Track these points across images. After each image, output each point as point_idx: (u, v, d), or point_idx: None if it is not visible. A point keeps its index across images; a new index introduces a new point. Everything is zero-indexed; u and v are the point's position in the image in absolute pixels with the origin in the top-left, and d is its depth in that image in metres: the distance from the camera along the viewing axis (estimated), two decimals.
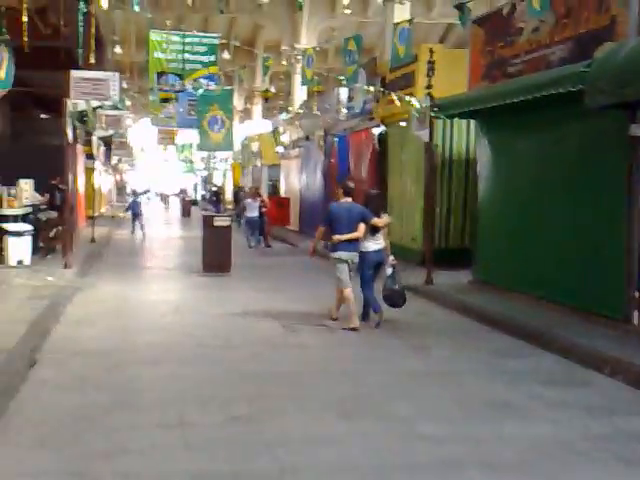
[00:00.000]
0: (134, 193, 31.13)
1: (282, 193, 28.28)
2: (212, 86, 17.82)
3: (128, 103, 29.37)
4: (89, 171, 25.18)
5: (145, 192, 61.07)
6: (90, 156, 23.95)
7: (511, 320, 8.98)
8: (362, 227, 9.00)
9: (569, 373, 6.97)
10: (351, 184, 9.58)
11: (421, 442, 4.98)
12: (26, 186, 14.83)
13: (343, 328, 8.85)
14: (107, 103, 16.64)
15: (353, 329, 8.76)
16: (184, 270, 15.03)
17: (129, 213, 25.56)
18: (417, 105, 12.20)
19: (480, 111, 10.60)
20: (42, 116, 19.43)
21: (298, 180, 24.73)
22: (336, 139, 19.45)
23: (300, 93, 28.77)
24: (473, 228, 12.39)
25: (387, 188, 16.20)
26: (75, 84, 14.24)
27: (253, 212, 20.14)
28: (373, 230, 9.15)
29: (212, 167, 45.42)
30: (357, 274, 9.27)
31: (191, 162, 50.62)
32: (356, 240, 9.02)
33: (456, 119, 13.00)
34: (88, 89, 14.50)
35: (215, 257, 14.08)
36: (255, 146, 30.79)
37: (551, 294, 9.61)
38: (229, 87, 21.16)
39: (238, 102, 39.59)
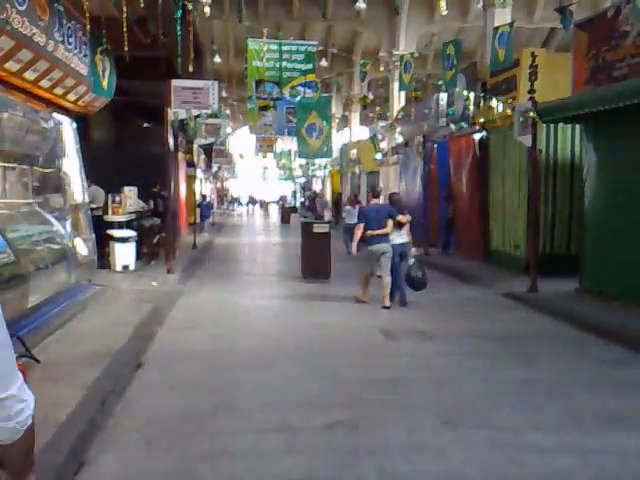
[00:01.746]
0: (203, 197, 31.88)
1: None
2: (310, 94, 17.91)
3: (227, 112, 30.00)
4: (190, 179, 25.76)
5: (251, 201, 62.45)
6: (191, 164, 24.51)
7: (620, 328, 8.62)
8: (390, 223, 10.82)
9: None
10: (378, 188, 12.29)
11: (526, 453, 4.83)
12: (130, 193, 15.24)
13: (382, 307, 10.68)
14: (207, 111, 16.95)
15: (386, 307, 10.71)
16: (283, 276, 15.14)
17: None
18: (520, 110, 11.89)
19: (585, 115, 10.25)
20: (144, 125, 20.01)
21: (397, 186, 24.52)
22: (435, 145, 19.22)
23: (398, 100, 28.56)
24: (580, 235, 11.93)
25: (489, 194, 15.85)
26: (175, 93, 14.55)
27: (352, 219, 20.06)
28: (398, 226, 11.00)
29: (311, 174, 45.79)
30: (389, 262, 10.86)
31: (290, 169, 51.20)
32: (385, 235, 10.79)
33: (560, 124, 12.59)
34: (188, 98, 14.79)
35: (314, 263, 14.10)
36: (353, 153, 30.82)
37: None
38: (327, 94, 21.25)
39: (336, 109, 39.75)
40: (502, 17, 19.42)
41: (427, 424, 5.45)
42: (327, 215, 16.70)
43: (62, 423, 4.98)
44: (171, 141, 14.52)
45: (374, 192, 11.92)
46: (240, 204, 70.44)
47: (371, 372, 7.08)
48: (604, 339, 8.48)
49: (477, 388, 6.48)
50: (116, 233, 13.95)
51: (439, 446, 4.96)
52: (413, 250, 11.42)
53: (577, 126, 12.46)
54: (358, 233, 11.16)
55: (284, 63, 19.15)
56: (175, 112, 15.08)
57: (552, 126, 12.88)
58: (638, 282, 9.78)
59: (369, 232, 10.81)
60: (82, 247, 11.41)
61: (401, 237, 11.12)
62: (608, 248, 10.67)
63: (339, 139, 34.39)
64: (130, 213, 15.02)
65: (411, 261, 11.19)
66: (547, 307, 10.47)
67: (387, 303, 10.79)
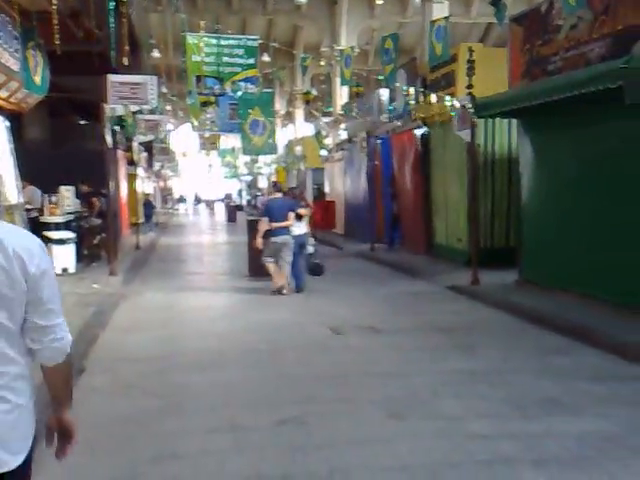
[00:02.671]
0: (146, 197, 31.58)
1: (327, 196, 28.18)
2: (252, 89, 17.77)
3: (168, 108, 29.58)
4: (131, 177, 25.33)
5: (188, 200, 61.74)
6: (132, 162, 24.07)
7: (558, 318, 8.84)
8: (292, 216, 11.82)
9: (617, 369, 6.84)
10: (279, 184, 13.58)
11: (470, 440, 4.92)
12: (67, 193, 14.85)
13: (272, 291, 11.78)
14: (146, 107, 16.64)
15: (282, 294, 11.72)
16: (230, 275, 15.05)
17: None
18: (457, 105, 12.01)
19: (521, 110, 10.40)
20: (81, 122, 19.59)
21: (342, 183, 24.58)
22: (379, 141, 19.29)
23: (341, 95, 28.65)
24: (518, 228, 12.14)
25: (431, 189, 15.99)
26: (112, 88, 14.21)
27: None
28: (298, 218, 11.99)
29: (256, 172, 45.57)
30: (291, 252, 11.88)
31: (235, 167, 50.83)
32: (287, 227, 11.77)
33: (498, 118, 12.77)
34: (126, 93, 14.48)
35: (261, 261, 13.96)
36: (298, 149, 30.77)
37: (597, 292, 9.41)
38: (269, 90, 21.12)
39: (280, 105, 39.64)
40: (440, 12, 19.69)
41: (374, 417, 5.50)
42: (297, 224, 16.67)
43: None
44: (109, 138, 14.17)
45: (276, 187, 13.23)
46: (185, 203, 69.71)
47: (319, 368, 7.09)
48: (543, 328, 8.68)
49: (423, 380, 6.56)
50: (53, 235, 13.48)
51: (386, 438, 5.02)
52: (312, 240, 12.67)
53: (514, 120, 12.63)
54: (263, 226, 11.91)
55: (225, 58, 18.94)
56: (112, 108, 14.73)
57: (490, 121, 13.07)
58: (573, 272, 10.01)
59: (273, 225, 11.70)
60: None
61: (300, 229, 12.16)
62: (544, 240, 10.89)
63: (284, 135, 34.28)
64: (68, 214, 14.65)
65: (310, 249, 12.45)
66: (489, 299, 10.66)
67: (284, 290, 11.80)
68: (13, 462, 2.25)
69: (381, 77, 14.86)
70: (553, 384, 6.29)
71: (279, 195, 12.66)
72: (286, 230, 11.76)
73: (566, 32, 10.31)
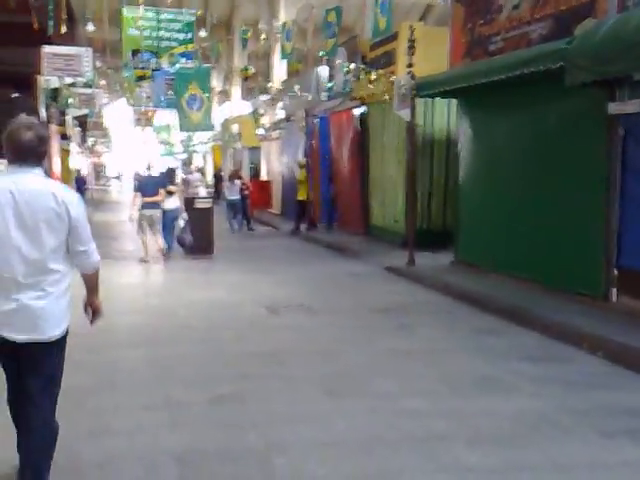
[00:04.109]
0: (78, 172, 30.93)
1: (263, 176, 28.02)
2: (189, 64, 17.49)
3: (103, 82, 28.87)
4: (64, 153, 24.66)
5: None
6: (64, 137, 23.42)
7: (492, 299, 9.01)
8: (162, 192, 13.17)
9: (549, 349, 7.01)
10: (150, 163, 14.27)
11: (406, 418, 4.99)
12: (1, 166, 14.42)
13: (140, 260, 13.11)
14: (80, 79, 16.25)
15: (145, 261, 13.06)
16: (166, 253, 14.78)
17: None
18: (397, 84, 12.02)
19: (461, 90, 10.47)
20: (14, 95, 18.96)
21: (280, 162, 24.47)
22: (317, 120, 19.23)
23: (280, 73, 28.39)
24: (454, 209, 12.28)
25: (369, 169, 16.04)
26: (47, 60, 13.87)
27: (234, 194, 19.82)
28: (169, 194, 13.42)
29: (191, 150, 44.87)
30: (160, 224, 13.25)
31: (170, 144, 49.92)
32: (157, 202, 13.11)
33: (437, 98, 12.84)
34: (60, 65, 14.14)
35: (197, 239, 13.86)
36: (235, 128, 30.43)
37: (531, 274, 9.63)
38: (207, 65, 20.79)
39: (217, 82, 39.07)
40: None
41: (310, 395, 5.53)
42: (202, 192, 16.62)
43: None
44: (42, 112, 13.78)
45: (148, 165, 14.28)
46: (121, 180, 68.18)
47: (254, 346, 7.08)
48: (477, 309, 8.85)
49: (358, 359, 6.61)
50: None
51: (322, 415, 5.06)
52: (183, 215, 13.74)
53: (453, 100, 12.71)
54: (136, 200, 13.26)
55: (162, 32, 18.60)
56: (47, 80, 14.33)
57: (429, 101, 13.14)
58: (506, 254, 10.21)
59: (144, 199, 12.98)
60: None
61: (171, 203, 13.52)
62: (479, 221, 11.06)
63: (221, 113, 33.80)
64: None
65: (182, 222, 13.64)
66: (425, 280, 10.78)
67: (147, 258, 13.15)
68: (50, 334, 3.54)
69: (322, 52, 14.76)
70: (487, 364, 6.41)
71: (151, 173, 13.98)
72: (157, 205, 13.13)
73: (508, 12, 10.32)
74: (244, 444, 4.52)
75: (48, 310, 3.50)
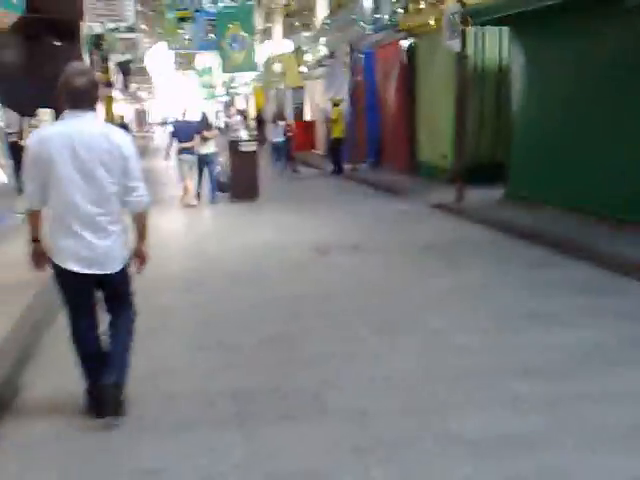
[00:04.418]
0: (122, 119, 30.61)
1: (307, 116, 27.72)
2: (230, 2, 17.22)
3: (144, 27, 28.72)
4: (108, 99, 24.67)
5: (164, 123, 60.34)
6: (108, 84, 23.45)
7: (543, 232, 8.85)
8: (197, 138, 13.28)
9: (603, 281, 6.87)
10: (185, 108, 14.56)
11: (457, 353, 4.98)
12: (46, 116, 14.54)
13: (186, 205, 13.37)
14: (122, 24, 16.17)
15: (193, 206, 13.35)
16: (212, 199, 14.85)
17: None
18: (448, 12, 11.64)
19: (513, 17, 10.07)
20: (57, 43, 18.96)
21: (324, 102, 24.14)
22: (362, 55, 18.79)
23: (323, 7, 27.79)
24: (505, 143, 11.97)
25: (416, 104, 15.72)
26: (89, 6, 13.81)
27: (277, 136, 19.70)
28: (204, 139, 13.32)
29: (232, 92, 44.59)
30: (197, 169, 13.58)
31: (211, 87, 49.71)
32: (192, 147, 13.32)
33: (488, 27, 12.41)
34: (102, 10, 14.06)
35: (242, 183, 13.84)
36: (277, 67, 30.08)
37: (584, 206, 9.38)
38: (249, 2, 20.41)
39: (258, 21, 38.51)
40: None
41: (361, 333, 5.53)
42: (243, 135, 16.45)
43: None
44: (86, 59, 13.80)
45: (185, 112, 14.40)
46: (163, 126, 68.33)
47: (304, 287, 7.09)
48: (530, 243, 8.67)
49: (408, 296, 6.58)
50: None
51: (373, 353, 5.07)
52: (219, 160, 14.01)
53: (505, 30, 12.29)
54: (170, 146, 13.79)
55: None
56: (89, 27, 14.31)
57: (479, 31, 12.71)
58: (561, 187, 9.95)
59: (181, 145, 13.33)
60: None
61: (207, 148, 13.49)
62: (532, 154, 10.77)
63: (262, 53, 33.43)
64: None
65: (218, 168, 13.84)
66: (474, 215, 10.63)
67: (193, 202, 13.45)
68: (117, 267, 3.95)
69: None
70: (539, 297, 6.32)
71: (187, 118, 14.14)
72: (192, 150, 13.32)
73: None
74: (296, 382, 4.57)
75: (111, 249, 3.89)
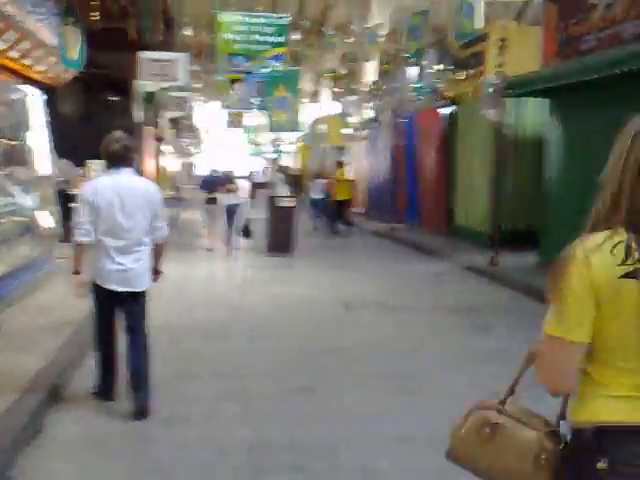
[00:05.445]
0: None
1: (350, 175, 28.07)
2: (279, 66, 17.79)
3: (198, 85, 29.63)
4: (158, 153, 25.49)
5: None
6: (159, 139, 24.26)
7: None
8: (223, 188, 14.79)
9: None
10: (217, 168, 16.89)
11: None
12: (94, 166, 15.03)
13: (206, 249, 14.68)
14: (175, 84, 16.79)
15: (210, 249, 14.64)
16: (248, 250, 15.13)
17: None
18: (488, 83, 11.93)
19: (553, 89, 10.30)
20: (112, 98, 19.78)
21: (365, 162, 24.54)
22: (404, 120, 19.21)
23: (370, 73, 28.43)
24: (541, 210, 12.07)
25: (455, 169, 15.95)
26: (144, 65, 14.40)
27: (317, 193, 20.04)
28: (229, 191, 14.73)
29: (278, 149, 45.39)
30: (222, 218, 14.77)
31: (258, 144, 50.72)
32: (215, 198, 14.92)
33: (528, 98, 12.65)
34: (157, 70, 14.64)
35: (279, 237, 14.11)
36: (322, 128, 30.70)
37: None
38: (295, 67, 21.08)
39: (307, 84, 39.42)
40: None
41: (382, 391, 5.59)
42: (283, 191, 16.75)
43: (23, 389, 5.04)
44: (138, 114, 14.38)
45: (213, 168, 16.86)
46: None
47: (330, 342, 7.20)
48: None
49: (432, 358, 6.63)
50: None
51: (392, 412, 5.11)
52: (246, 210, 15.38)
53: (543, 101, 12.49)
54: (200, 197, 15.79)
55: (255, 36, 19.00)
56: (142, 84, 14.91)
57: (519, 100, 12.94)
58: None
59: (207, 196, 15.17)
60: (47, 220, 11.27)
61: (230, 200, 14.72)
62: (567, 221, 10.74)
63: (310, 114, 34.16)
64: None
65: (242, 218, 14.99)
66: (507, 280, 10.63)
67: (217, 246, 14.67)
68: (144, 286, 5.04)
69: (407, 54, 14.81)
70: None
71: (214, 174, 16.30)
72: (216, 200, 14.87)
73: (601, 11, 10.14)
74: (313, 437, 4.63)
75: (142, 271, 4.98)
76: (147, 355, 5.10)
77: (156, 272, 5.26)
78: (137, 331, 5.06)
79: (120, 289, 4.88)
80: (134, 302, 5.02)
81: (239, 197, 15.11)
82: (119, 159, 4.91)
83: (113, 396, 5.19)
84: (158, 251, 5.20)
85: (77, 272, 4.94)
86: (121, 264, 4.84)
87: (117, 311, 5.05)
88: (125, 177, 4.91)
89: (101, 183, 4.95)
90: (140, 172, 15.39)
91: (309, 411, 5.12)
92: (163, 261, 5.28)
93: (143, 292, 5.06)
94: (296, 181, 32.08)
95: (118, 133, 5.05)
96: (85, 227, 4.81)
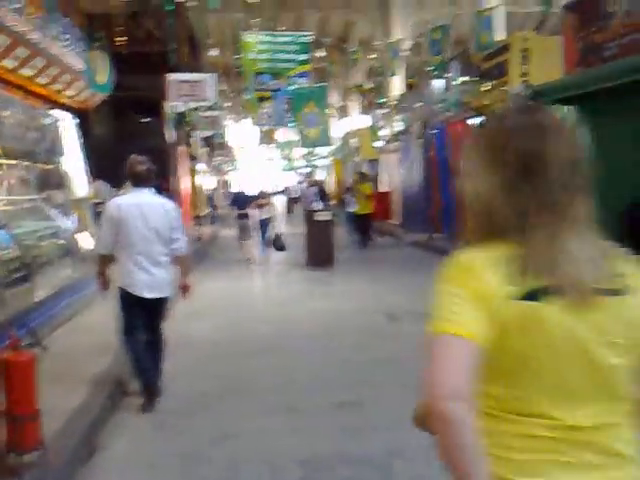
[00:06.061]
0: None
1: (382, 187, 28.16)
2: (305, 83, 17.99)
3: (228, 104, 29.96)
4: (192, 172, 25.80)
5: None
6: (192, 158, 24.57)
7: None
8: (252, 205, 15.63)
9: None
10: (243, 184, 16.89)
11: None
12: (125, 189, 15.32)
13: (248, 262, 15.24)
14: (204, 104, 17.03)
15: (251, 262, 15.24)
16: (287, 265, 15.27)
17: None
18: (513, 93, 11.99)
19: (578, 97, 10.29)
20: (143, 119, 20.13)
21: (398, 174, 24.60)
22: (434, 131, 19.26)
23: (397, 86, 28.58)
24: None
25: None
26: (172, 87, 14.65)
27: (352, 206, 20.09)
28: (259, 207, 15.59)
29: (311, 164, 45.70)
30: (254, 232, 15.54)
31: (291, 160, 51.11)
32: (246, 213, 15.57)
33: (553, 105, 12.63)
34: (185, 91, 14.89)
35: (318, 251, 14.20)
36: (354, 141, 30.85)
37: None
38: (323, 83, 21.29)
39: (336, 99, 39.68)
40: (494, 1, 19.48)
41: None
42: (318, 205, 16.81)
43: (74, 409, 5.12)
44: (170, 134, 14.65)
45: (243, 186, 17.76)
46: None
47: (374, 353, 7.22)
48: None
49: None
50: None
51: None
52: (276, 224, 16.12)
53: (568, 108, 12.49)
54: (233, 213, 16.72)
55: (280, 54, 19.25)
56: (172, 105, 15.18)
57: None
58: None
59: (239, 212, 15.84)
60: (86, 241, 11.51)
61: (261, 214, 15.57)
62: None
63: (340, 128, 34.36)
64: None
65: (273, 232, 15.53)
66: None
67: (250, 256, 15.34)
68: (168, 292, 5.59)
69: (430, 68, 14.92)
70: None
71: (244, 191, 17.31)
72: (247, 215, 15.55)
73: (621, 18, 10.16)
74: (364, 448, 4.63)
75: (168, 278, 5.58)
76: (164, 350, 5.77)
77: (184, 287, 5.74)
78: (157, 330, 5.68)
79: (149, 295, 5.42)
80: (159, 306, 5.59)
81: (270, 211, 15.93)
82: (142, 180, 5.51)
83: (158, 391, 5.57)
84: (183, 265, 5.72)
85: (102, 273, 5.69)
86: (149, 272, 5.38)
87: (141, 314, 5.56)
88: (147, 195, 5.52)
89: (125, 201, 5.53)
90: (172, 191, 15.66)
91: (359, 423, 5.12)
92: (190, 275, 5.77)
93: (167, 297, 5.62)
94: (332, 195, 32.31)
95: (140, 156, 5.64)
96: (104, 240, 5.51)
